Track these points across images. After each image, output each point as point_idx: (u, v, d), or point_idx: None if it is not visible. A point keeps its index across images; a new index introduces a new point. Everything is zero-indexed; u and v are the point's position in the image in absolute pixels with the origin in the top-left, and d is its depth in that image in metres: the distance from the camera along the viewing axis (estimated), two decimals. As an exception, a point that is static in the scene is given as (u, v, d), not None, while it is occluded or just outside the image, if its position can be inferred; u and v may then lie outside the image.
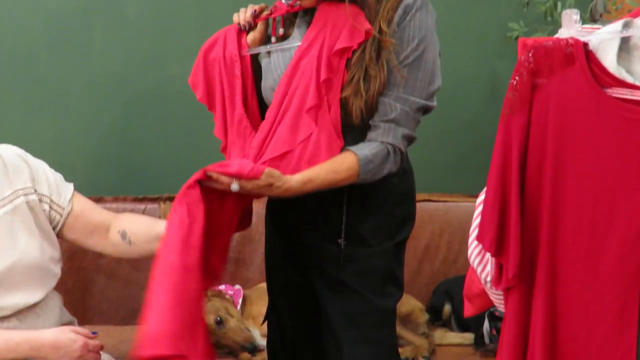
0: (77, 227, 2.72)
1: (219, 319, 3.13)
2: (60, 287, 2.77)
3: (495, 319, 3.19)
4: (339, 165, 2.33)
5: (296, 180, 2.31)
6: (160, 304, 2.22)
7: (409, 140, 2.40)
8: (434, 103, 2.39)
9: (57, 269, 2.69)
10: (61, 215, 2.69)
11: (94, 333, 2.58)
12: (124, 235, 2.70)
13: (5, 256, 2.56)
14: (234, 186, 2.26)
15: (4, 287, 2.56)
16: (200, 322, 2.27)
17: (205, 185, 2.29)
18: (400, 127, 2.35)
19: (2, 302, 2.56)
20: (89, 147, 3.66)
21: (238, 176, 2.26)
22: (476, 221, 2.01)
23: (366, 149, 2.35)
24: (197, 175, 2.28)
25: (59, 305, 2.78)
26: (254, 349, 3.10)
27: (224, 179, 2.27)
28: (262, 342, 3.22)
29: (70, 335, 2.53)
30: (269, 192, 2.31)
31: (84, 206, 2.74)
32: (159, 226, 2.62)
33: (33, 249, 2.61)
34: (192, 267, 2.25)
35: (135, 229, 2.70)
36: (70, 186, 2.74)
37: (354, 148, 2.35)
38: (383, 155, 2.35)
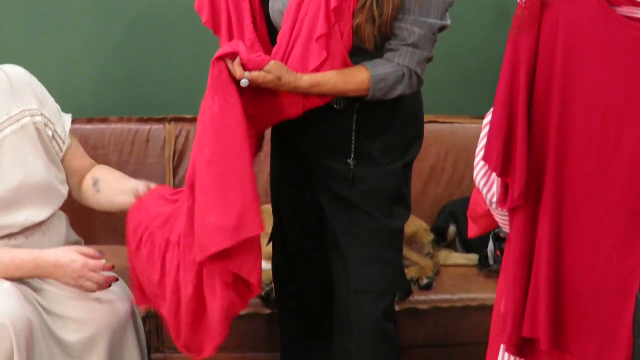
0: (66, 164, 2.74)
1: None
2: (66, 208, 2.78)
3: (500, 240, 3.20)
4: (350, 78, 2.33)
5: (305, 80, 2.31)
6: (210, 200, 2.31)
7: (428, 61, 2.39)
8: (449, 21, 2.38)
9: (63, 190, 2.71)
10: (61, 149, 2.71)
11: (100, 253, 2.59)
12: (95, 182, 2.74)
13: (13, 174, 2.58)
14: (244, 82, 2.27)
15: (13, 205, 2.58)
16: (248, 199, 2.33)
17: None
18: (419, 50, 2.33)
19: (10, 220, 2.58)
20: (94, 67, 3.63)
21: (243, 61, 2.27)
22: (482, 142, 2.00)
23: (381, 67, 2.34)
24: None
25: (65, 224, 2.80)
26: None
27: (238, 70, 2.27)
28: (266, 265, 3.24)
29: (72, 255, 2.55)
30: (278, 86, 2.30)
31: (77, 148, 2.78)
32: (131, 183, 2.67)
33: (40, 168, 2.63)
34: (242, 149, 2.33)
35: (108, 179, 2.74)
36: (68, 118, 2.76)
37: (369, 64, 2.34)
38: (397, 77, 2.34)
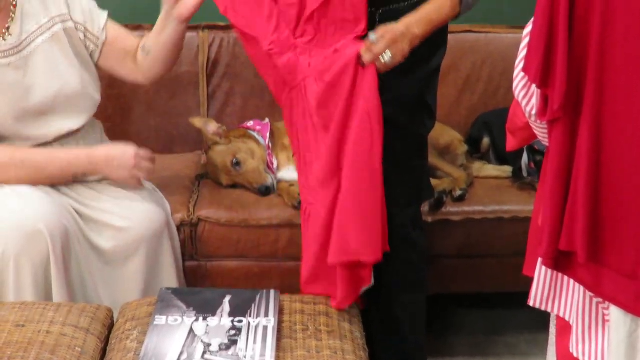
0: (111, 55, 2.74)
1: (235, 160, 3.14)
2: (100, 115, 2.80)
3: (535, 152, 3.18)
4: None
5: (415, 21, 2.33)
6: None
7: None
8: None
9: (97, 95, 2.72)
10: (96, 46, 2.70)
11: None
12: (143, 48, 2.73)
13: (49, 85, 2.59)
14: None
15: (47, 114, 2.60)
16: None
17: None
18: None
19: (44, 129, 2.60)
20: (127, -26, 3.60)
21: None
22: (522, 53, 1.97)
23: None
24: None
25: (99, 132, 2.82)
26: (266, 191, 3.12)
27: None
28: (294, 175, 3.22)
29: (121, 147, 2.64)
30: (401, 49, 2.32)
31: (118, 33, 2.75)
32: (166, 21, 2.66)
33: (73, 77, 2.63)
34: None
35: (150, 35, 2.74)
36: (104, 14, 2.73)
37: None
38: None
